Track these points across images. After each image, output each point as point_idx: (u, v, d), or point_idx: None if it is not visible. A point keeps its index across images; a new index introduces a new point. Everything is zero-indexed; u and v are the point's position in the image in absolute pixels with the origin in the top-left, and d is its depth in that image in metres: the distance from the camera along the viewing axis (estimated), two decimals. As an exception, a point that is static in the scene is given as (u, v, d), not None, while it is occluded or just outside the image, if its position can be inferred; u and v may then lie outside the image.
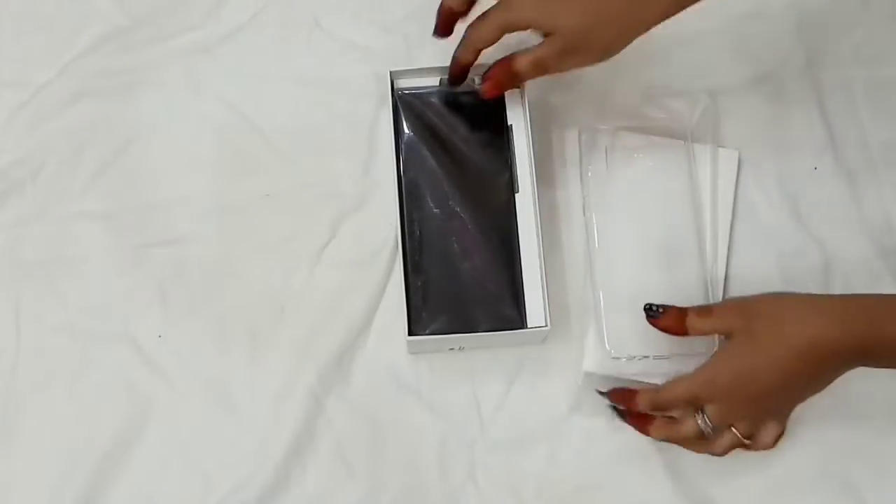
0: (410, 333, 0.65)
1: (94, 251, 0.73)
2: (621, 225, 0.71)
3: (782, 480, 0.68)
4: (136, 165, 0.75)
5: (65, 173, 0.75)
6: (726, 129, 0.75)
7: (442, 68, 0.69)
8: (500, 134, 0.70)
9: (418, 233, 0.68)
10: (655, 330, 0.62)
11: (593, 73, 0.65)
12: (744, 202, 0.74)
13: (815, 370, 0.58)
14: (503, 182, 0.69)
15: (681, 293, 0.67)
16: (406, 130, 0.70)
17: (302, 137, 0.76)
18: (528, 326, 0.66)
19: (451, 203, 0.69)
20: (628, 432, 0.65)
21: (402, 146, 0.70)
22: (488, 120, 0.70)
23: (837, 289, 0.71)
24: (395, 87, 0.72)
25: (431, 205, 0.69)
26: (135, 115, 0.76)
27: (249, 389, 0.70)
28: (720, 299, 0.70)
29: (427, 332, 0.66)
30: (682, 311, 0.62)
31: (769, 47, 0.78)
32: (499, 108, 0.70)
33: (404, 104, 0.71)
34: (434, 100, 0.71)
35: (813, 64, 0.77)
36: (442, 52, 0.68)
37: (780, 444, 0.62)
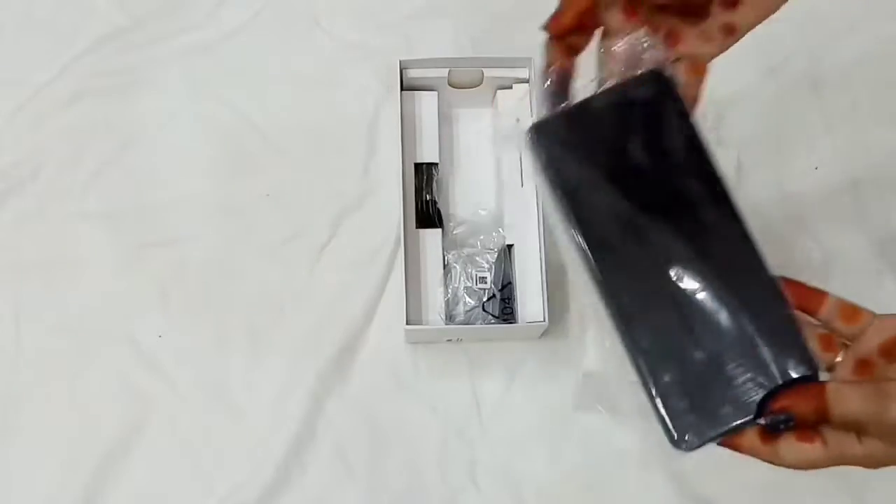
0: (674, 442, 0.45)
1: (94, 251, 0.73)
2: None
3: (782, 479, 0.68)
4: (136, 165, 0.75)
5: (65, 173, 0.75)
6: (726, 129, 0.75)
7: (453, 59, 0.68)
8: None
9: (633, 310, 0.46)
10: None
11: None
12: (743, 202, 0.73)
13: None
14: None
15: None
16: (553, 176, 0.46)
17: (302, 137, 0.76)
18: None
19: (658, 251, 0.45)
20: (628, 431, 0.65)
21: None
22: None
23: (836, 289, 0.71)
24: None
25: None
26: (135, 115, 0.76)
27: (249, 389, 0.70)
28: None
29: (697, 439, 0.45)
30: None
31: (770, 47, 0.77)
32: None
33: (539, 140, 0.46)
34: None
35: (815, 64, 0.77)
36: (442, 52, 0.68)
37: None
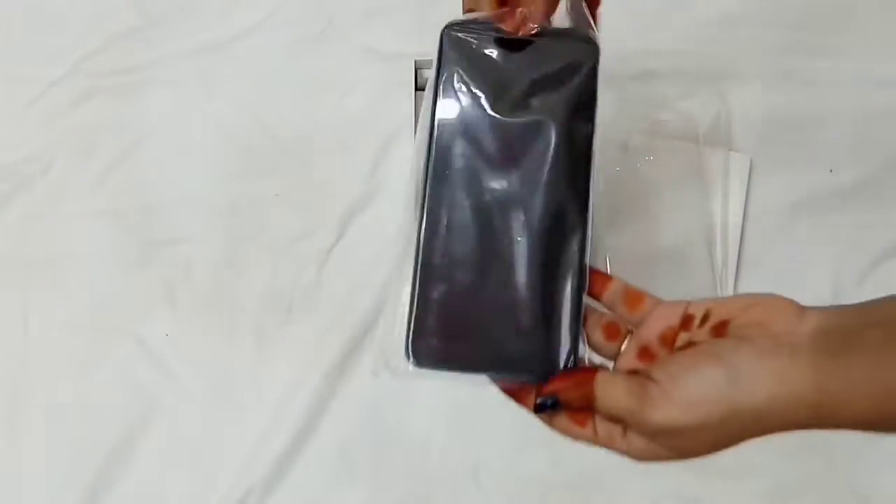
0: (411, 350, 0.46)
1: (102, 249, 0.73)
2: (630, 227, 0.71)
3: (785, 481, 0.68)
4: (145, 164, 0.75)
5: (74, 171, 0.75)
6: (739, 132, 0.75)
7: None
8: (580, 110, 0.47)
9: (444, 225, 0.46)
10: None
11: (605, 76, 0.65)
12: (755, 206, 0.74)
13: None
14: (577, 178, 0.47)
15: (690, 296, 0.67)
16: (446, 79, 0.47)
17: (311, 137, 0.76)
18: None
19: (494, 196, 0.46)
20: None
21: (440, 95, 0.47)
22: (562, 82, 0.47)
23: (848, 292, 0.71)
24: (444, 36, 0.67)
25: (465, 192, 0.47)
26: (145, 114, 0.76)
27: (255, 388, 0.70)
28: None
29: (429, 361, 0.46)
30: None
31: (782, 51, 0.78)
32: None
33: (451, 43, 0.47)
34: (491, 47, 0.47)
35: (827, 66, 0.77)
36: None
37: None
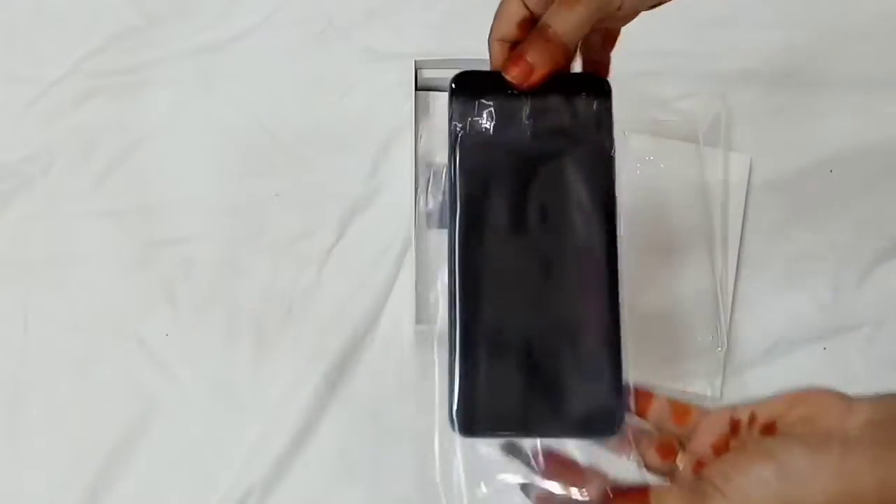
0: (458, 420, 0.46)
1: (102, 249, 0.73)
2: (630, 227, 0.71)
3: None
4: (145, 164, 0.75)
5: (74, 171, 0.75)
6: (738, 132, 0.75)
7: (468, 60, 0.68)
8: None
9: (480, 286, 0.44)
10: (662, 331, 0.62)
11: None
12: (755, 206, 0.74)
13: None
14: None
15: (689, 296, 0.67)
16: (462, 134, 0.46)
17: (312, 137, 0.76)
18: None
19: (524, 248, 0.45)
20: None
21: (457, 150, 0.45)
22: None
23: (848, 292, 0.71)
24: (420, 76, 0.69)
25: (495, 248, 0.45)
26: (146, 114, 0.76)
27: (255, 389, 0.70)
28: (729, 305, 0.70)
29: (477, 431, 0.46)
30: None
31: (782, 51, 0.78)
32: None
33: (460, 95, 0.46)
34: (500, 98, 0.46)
35: (827, 66, 0.77)
36: (455, 53, 0.68)
37: None
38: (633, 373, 0.67)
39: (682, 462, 0.44)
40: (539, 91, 0.45)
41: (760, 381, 0.70)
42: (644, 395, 0.46)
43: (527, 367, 0.44)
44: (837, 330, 0.71)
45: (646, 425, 0.46)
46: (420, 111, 0.72)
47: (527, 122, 0.46)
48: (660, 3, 0.49)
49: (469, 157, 0.45)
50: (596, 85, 0.47)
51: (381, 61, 0.77)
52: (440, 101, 0.73)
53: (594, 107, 0.46)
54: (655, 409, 0.46)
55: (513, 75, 0.45)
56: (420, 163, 0.71)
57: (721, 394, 0.68)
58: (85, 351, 0.70)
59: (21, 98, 0.76)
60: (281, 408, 0.69)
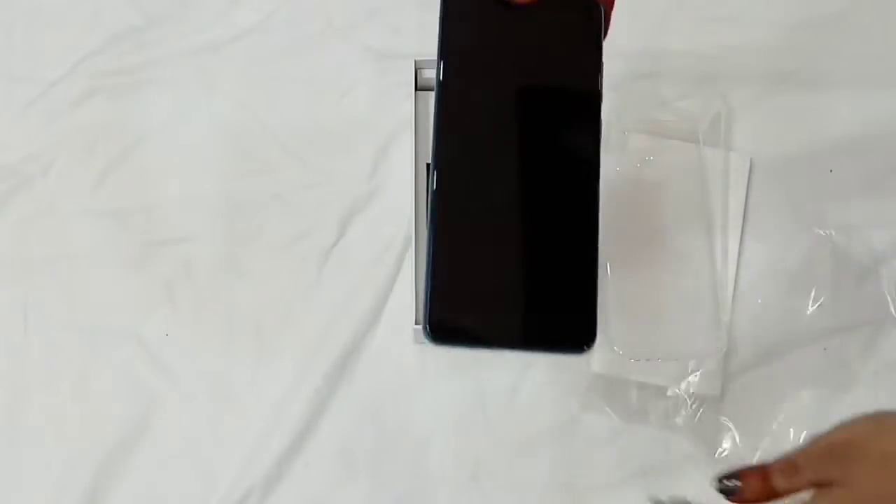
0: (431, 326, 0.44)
1: (102, 249, 0.73)
2: (631, 227, 0.71)
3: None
4: (145, 164, 0.75)
5: (74, 170, 0.75)
6: (738, 132, 0.75)
7: None
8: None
9: (459, 189, 0.44)
10: (663, 331, 0.62)
11: (606, 75, 0.65)
12: (755, 206, 0.74)
13: None
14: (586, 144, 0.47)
15: (690, 297, 0.67)
16: (452, 42, 0.45)
17: (311, 137, 0.76)
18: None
19: (508, 159, 0.45)
20: (634, 435, 0.65)
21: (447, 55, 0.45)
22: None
23: (848, 292, 0.71)
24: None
25: (477, 157, 0.45)
26: (145, 114, 0.76)
27: (255, 388, 0.70)
28: (729, 304, 0.70)
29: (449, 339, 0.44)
30: (763, 474, 0.47)
31: (782, 51, 0.78)
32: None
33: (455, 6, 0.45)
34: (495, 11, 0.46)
35: (827, 66, 0.77)
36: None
37: None
38: (634, 373, 0.67)
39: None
40: (529, 11, 0.45)
41: (760, 381, 0.70)
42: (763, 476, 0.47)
43: (503, 278, 0.43)
44: (837, 330, 0.71)
45: None
46: (420, 111, 0.72)
47: (518, 39, 0.45)
48: None
49: (456, 70, 0.45)
50: (586, 8, 0.46)
51: (381, 61, 0.77)
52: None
53: (582, 32, 0.46)
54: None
55: None
56: (420, 163, 0.71)
57: (721, 394, 0.68)
58: (84, 350, 0.70)
59: (21, 98, 0.76)
60: (281, 407, 0.69)
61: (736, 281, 0.71)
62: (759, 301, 0.72)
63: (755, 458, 0.66)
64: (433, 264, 0.43)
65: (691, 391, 0.68)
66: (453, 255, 0.43)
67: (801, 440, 0.68)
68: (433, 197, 0.44)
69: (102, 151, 0.75)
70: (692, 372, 0.61)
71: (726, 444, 0.68)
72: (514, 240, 0.44)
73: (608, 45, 0.46)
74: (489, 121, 0.45)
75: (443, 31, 0.45)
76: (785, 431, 0.68)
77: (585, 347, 0.43)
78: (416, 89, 0.71)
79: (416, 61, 0.71)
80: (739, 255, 0.72)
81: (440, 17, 0.45)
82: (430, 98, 0.72)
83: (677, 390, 0.68)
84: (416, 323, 0.66)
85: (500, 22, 0.45)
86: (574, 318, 0.44)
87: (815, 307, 0.71)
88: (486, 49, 0.45)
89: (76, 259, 0.73)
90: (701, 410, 0.68)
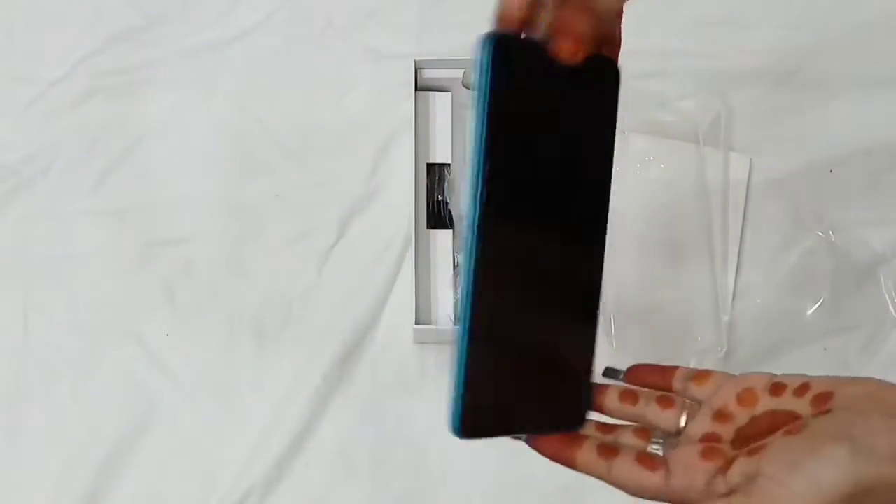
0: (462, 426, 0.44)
1: (102, 249, 0.73)
2: (631, 227, 0.71)
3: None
4: (145, 164, 0.75)
5: (75, 171, 0.75)
6: (738, 132, 0.75)
7: (468, 60, 0.68)
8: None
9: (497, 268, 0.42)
10: (663, 331, 0.62)
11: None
12: (755, 206, 0.74)
13: None
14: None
15: (690, 297, 0.67)
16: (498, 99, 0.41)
17: (311, 138, 0.76)
18: None
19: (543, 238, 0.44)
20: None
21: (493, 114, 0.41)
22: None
23: (848, 292, 0.71)
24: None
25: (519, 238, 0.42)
26: (146, 114, 0.76)
27: (255, 388, 0.70)
28: (729, 304, 0.70)
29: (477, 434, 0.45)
30: (664, 371, 0.46)
31: (783, 52, 0.78)
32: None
33: (503, 58, 0.41)
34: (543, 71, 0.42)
35: (827, 66, 0.77)
36: (455, 53, 0.68)
37: None
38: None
39: (699, 413, 0.42)
40: (566, 71, 0.42)
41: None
42: (666, 370, 0.45)
43: (523, 369, 0.43)
44: (837, 330, 0.71)
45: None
46: (420, 111, 0.72)
47: (555, 102, 0.43)
48: None
49: (499, 138, 0.41)
50: (607, 68, 0.45)
51: (381, 61, 0.77)
52: (440, 101, 0.73)
53: (603, 91, 0.45)
54: (679, 375, 0.44)
55: (564, 49, 0.41)
56: (420, 163, 0.71)
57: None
58: (85, 351, 0.70)
59: (21, 98, 0.76)
60: (281, 407, 0.69)
61: (736, 281, 0.71)
62: (759, 301, 0.72)
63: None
64: (466, 372, 0.42)
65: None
66: (486, 364, 0.43)
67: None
68: (470, 292, 0.41)
69: (102, 151, 0.75)
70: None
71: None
72: (538, 335, 0.44)
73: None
74: (534, 197, 0.43)
75: (489, 80, 0.40)
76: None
77: (582, 421, 0.44)
78: (416, 89, 0.71)
79: (416, 61, 0.71)
80: (739, 255, 0.72)
81: (484, 64, 0.40)
82: (430, 98, 0.73)
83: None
84: (416, 323, 0.66)
85: (544, 84, 0.42)
86: (572, 394, 0.45)
87: (815, 307, 0.71)
88: (534, 107, 0.42)
89: (76, 259, 0.73)
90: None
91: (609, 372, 0.47)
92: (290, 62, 0.78)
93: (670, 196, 0.72)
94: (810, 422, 0.38)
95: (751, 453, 0.39)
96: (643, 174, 0.72)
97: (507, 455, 0.68)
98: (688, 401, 0.43)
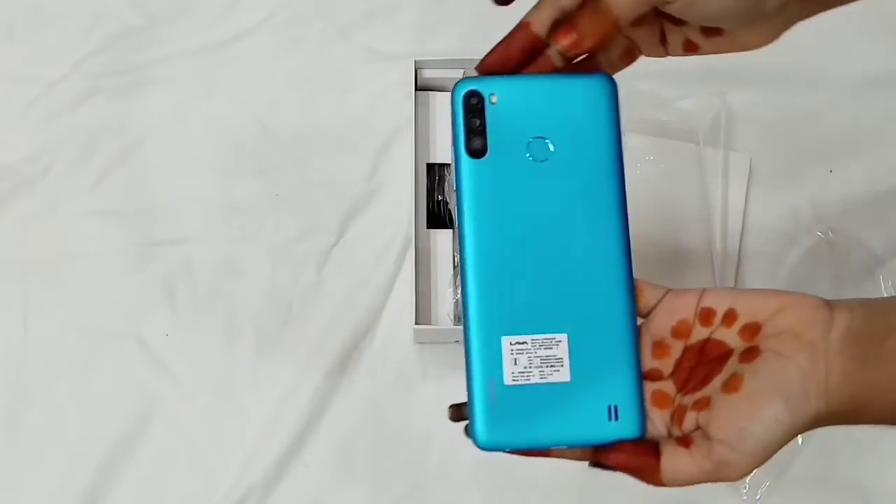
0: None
1: (102, 249, 0.73)
2: (630, 227, 0.71)
3: (788, 480, 0.68)
4: (145, 164, 0.75)
5: (74, 171, 0.75)
6: (738, 132, 0.75)
7: (468, 60, 0.68)
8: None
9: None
10: None
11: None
12: (755, 206, 0.74)
13: None
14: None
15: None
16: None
17: (311, 137, 0.76)
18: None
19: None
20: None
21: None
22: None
23: (848, 292, 0.71)
24: (420, 76, 0.69)
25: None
26: (145, 114, 0.76)
27: (255, 388, 0.70)
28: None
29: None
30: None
31: (783, 52, 0.77)
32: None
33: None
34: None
35: (827, 66, 0.77)
36: (455, 53, 0.68)
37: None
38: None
39: (688, 420, 0.43)
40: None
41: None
42: None
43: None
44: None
45: None
46: (420, 111, 0.72)
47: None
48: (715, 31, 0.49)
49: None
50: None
51: (381, 61, 0.77)
52: (440, 101, 0.73)
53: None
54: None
55: (563, 44, 0.43)
56: (420, 163, 0.71)
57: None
58: (85, 351, 0.70)
59: (21, 98, 0.76)
60: (281, 407, 0.69)
61: (736, 281, 0.71)
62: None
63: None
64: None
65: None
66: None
67: (800, 443, 0.68)
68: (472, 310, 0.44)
69: (102, 151, 0.75)
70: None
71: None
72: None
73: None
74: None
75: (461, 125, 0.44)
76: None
77: (642, 430, 0.44)
78: (416, 89, 0.71)
79: (416, 61, 0.71)
80: (739, 254, 0.72)
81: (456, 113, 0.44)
82: (430, 98, 0.73)
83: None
84: (416, 323, 0.66)
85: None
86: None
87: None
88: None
89: (76, 259, 0.73)
90: (701, 410, 0.68)
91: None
92: (290, 62, 0.78)
93: (670, 196, 0.72)
94: (746, 377, 0.41)
95: (698, 408, 0.42)
96: (643, 174, 0.72)
97: (508, 455, 0.68)
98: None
